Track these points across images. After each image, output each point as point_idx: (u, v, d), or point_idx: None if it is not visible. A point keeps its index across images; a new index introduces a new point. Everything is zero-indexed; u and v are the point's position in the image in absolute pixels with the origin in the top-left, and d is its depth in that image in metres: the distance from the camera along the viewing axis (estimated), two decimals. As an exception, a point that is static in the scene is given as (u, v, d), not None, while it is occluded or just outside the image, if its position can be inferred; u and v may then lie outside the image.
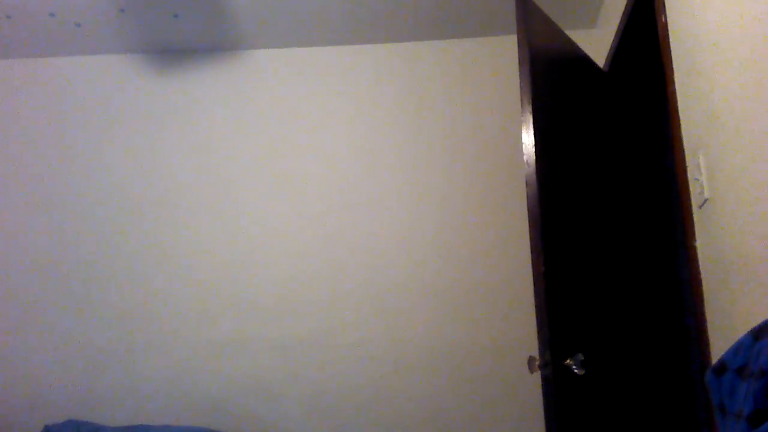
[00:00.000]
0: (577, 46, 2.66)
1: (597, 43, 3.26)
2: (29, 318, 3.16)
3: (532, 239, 2.10)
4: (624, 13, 2.60)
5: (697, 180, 1.89)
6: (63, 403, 3.05)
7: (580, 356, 1.95)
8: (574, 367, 1.96)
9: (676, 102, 2.07)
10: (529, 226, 2.11)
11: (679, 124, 2.05)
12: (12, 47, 3.38)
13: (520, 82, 2.22)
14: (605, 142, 2.80)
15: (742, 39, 1.59)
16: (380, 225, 3.19)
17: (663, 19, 2.15)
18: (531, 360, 1.99)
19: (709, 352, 1.85)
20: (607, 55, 2.94)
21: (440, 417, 2.96)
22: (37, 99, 3.42)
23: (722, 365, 1.17)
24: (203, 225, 3.24)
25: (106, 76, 3.44)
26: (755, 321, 1.55)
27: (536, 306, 2.05)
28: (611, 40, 2.90)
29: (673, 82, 2.09)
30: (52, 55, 3.45)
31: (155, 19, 3.17)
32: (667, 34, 2.13)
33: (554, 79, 2.40)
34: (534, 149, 2.10)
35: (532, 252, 2.09)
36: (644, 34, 2.61)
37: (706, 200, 1.84)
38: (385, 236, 3.17)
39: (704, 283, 1.88)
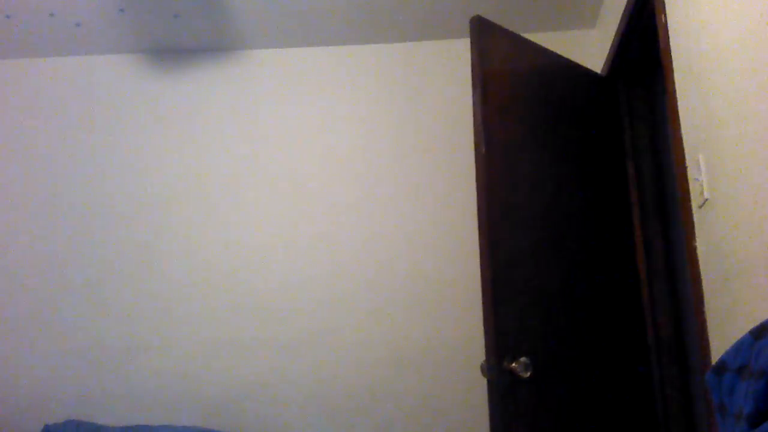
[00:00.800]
0: (557, 55, 2.71)
1: (597, 43, 3.26)
2: (30, 318, 3.16)
3: (480, 245, 2.17)
4: (624, 13, 2.60)
5: (697, 180, 1.89)
6: (63, 403, 3.05)
7: (525, 360, 2.03)
8: (518, 370, 2.04)
9: (676, 102, 2.07)
10: (479, 234, 2.19)
11: (679, 124, 2.05)
12: (12, 47, 3.38)
13: (473, 107, 2.32)
14: (597, 143, 2.81)
15: (742, 39, 1.59)
16: (380, 225, 3.19)
17: (663, 19, 2.15)
18: (483, 364, 2.07)
19: (709, 352, 1.85)
20: (607, 55, 2.94)
21: (440, 417, 2.96)
22: (37, 99, 3.42)
23: (722, 365, 1.17)
24: (203, 224, 3.24)
25: (106, 76, 3.44)
26: (755, 321, 1.55)
27: (483, 310, 2.11)
28: (611, 41, 2.90)
29: (673, 82, 2.09)
30: (52, 55, 3.45)
31: (155, 19, 3.17)
32: (667, 34, 2.13)
33: (524, 92, 2.48)
34: (485, 158, 2.22)
35: (480, 257, 2.16)
36: (644, 34, 2.61)
37: (706, 200, 1.84)
38: (385, 236, 3.17)
39: (704, 283, 1.88)
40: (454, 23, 3.27)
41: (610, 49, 2.86)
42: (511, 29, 3.34)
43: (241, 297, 3.14)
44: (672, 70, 2.10)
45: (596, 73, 2.92)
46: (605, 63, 2.98)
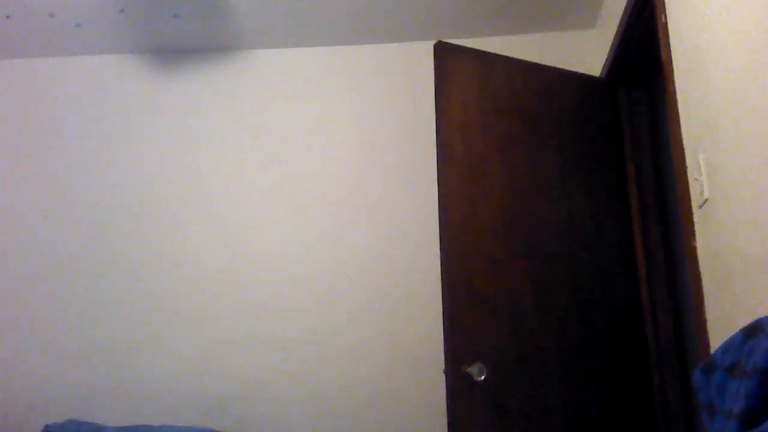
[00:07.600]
0: (535, 64, 2.78)
1: (596, 44, 3.26)
2: (29, 318, 3.16)
3: (441, 257, 2.38)
4: (624, 13, 2.60)
5: (697, 180, 1.89)
6: (63, 403, 3.05)
7: (479, 364, 2.24)
8: (473, 374, 2.23)
9: (676, 102, 2.07)
10: (439, 246, 2.39)
11: (679, 125, 2.05)
12: (12, 47, 3.38)
13: (436, 126, 2.48)
14: (595, 144, 2.80)
15: (741, 39, 1.59)
16: (380, 225, 3.19)
17: (663, 19, 2.15)
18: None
19: (710, 352, 1.84)
20: (607, 56, 2.94)
21: (440, 416, 2.95)
22: (37, 99, 3.42)
23: (711, 364, 1.17)
24: (203, 225, 3.24)
25: (106, 76, 3.44)
26: (755, 321, 1.55)
27: (443, 317, 2.31)
28: (611, 41, 2.90)
29: (673, 82, 2.09)
30: (52, 55, 3.45)
31: (155, 19, 3.17)
32: (667, 34, 2.13)
33: (493, 106, 2.61)
34: (443, 175, 2.44)
35: (441, 268, 2.35)
36: (644, 34, 2.61)
37: (706, 200, 1.84)
38: (386, 236, 3.17)
39: (704, 283, 1.88)
40: (453, 23, 3.27)
41: (610, 50, 2.86)
42: (510, 30, 3.33)
43: (240, 297, 3.14)
44: (672, 70, 2.10)
45: (583, 74, 2.93)
46: (605, 63, 2.98)
